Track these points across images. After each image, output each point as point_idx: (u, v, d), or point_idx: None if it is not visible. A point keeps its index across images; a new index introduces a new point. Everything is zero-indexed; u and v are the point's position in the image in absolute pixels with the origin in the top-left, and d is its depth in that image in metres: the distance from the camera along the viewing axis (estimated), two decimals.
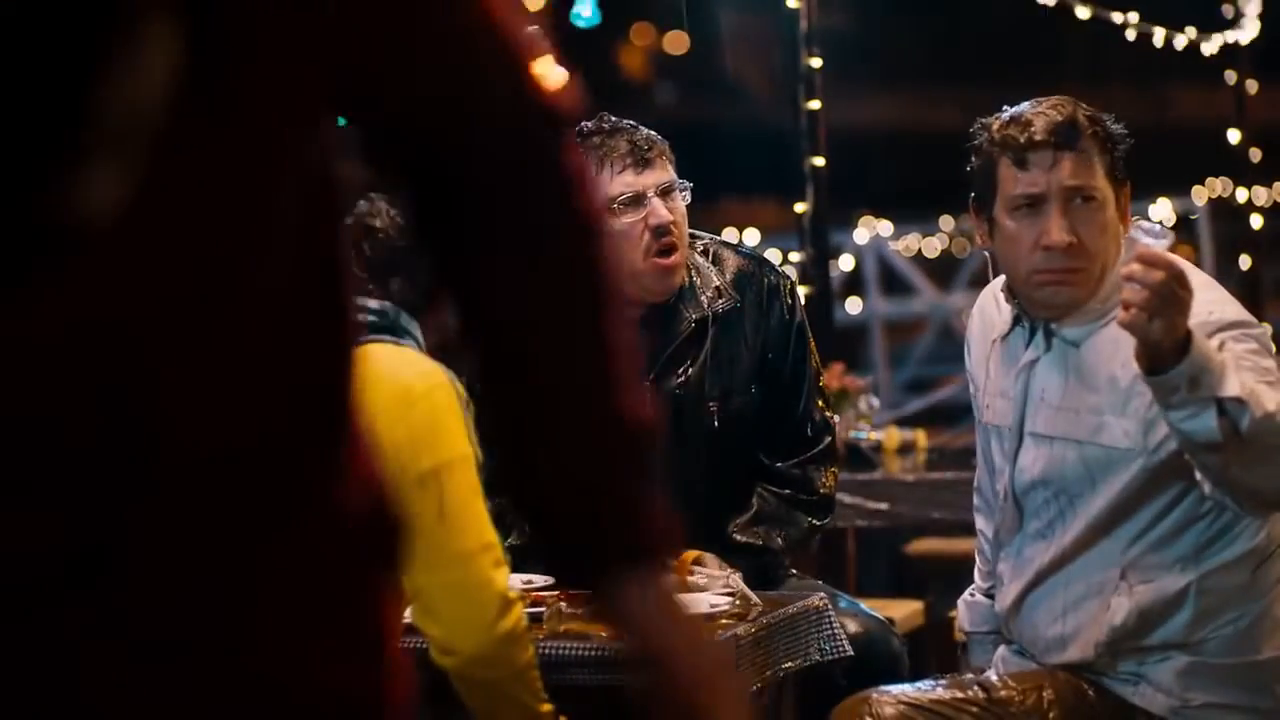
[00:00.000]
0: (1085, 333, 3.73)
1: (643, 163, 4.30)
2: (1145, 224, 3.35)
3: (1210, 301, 3.57)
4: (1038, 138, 3.70)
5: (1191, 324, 3.36)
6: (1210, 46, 8.87)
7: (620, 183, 4.29)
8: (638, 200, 4.29)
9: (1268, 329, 3.63)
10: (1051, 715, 3.71)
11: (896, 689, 3.77)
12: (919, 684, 3.80)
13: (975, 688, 3.75)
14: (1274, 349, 3.57)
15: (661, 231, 4.29)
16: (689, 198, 4.38)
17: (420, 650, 3.45)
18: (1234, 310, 3.59)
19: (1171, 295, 3.22)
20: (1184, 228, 13.37)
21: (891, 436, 6.50)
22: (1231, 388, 3.25)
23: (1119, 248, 3.71)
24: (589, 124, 4.38)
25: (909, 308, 14.48)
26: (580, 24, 6.16)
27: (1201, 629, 3.66)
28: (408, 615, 3.46)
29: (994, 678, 3.79)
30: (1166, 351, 3.25)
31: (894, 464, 6.32)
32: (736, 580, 4.01)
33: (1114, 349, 3.65)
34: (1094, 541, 3.70)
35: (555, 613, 3.84)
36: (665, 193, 4.32)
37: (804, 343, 4.50)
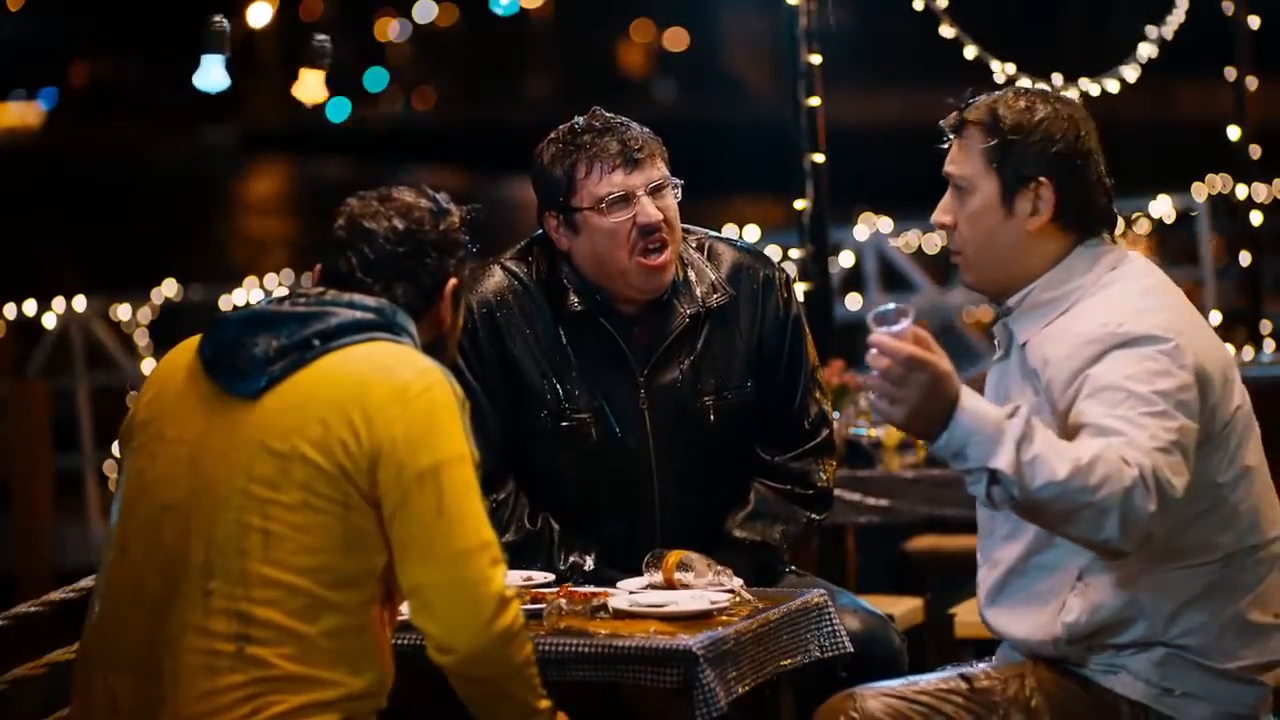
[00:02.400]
0: (1029, 333, 3.81)
1: (632, 163, 4.30)
2: (881, 308, 3.47)
3: (1129, 312, 3.64)
4: (939, 124, 3.86)
5: (1100, 334, 3.56)
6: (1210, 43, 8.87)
7: (609, 182, 4.30)
8: (626, 200, 4.30)
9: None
10: (1034, 703, 3.75)
11: (880, 684, 3.79)
12: (903, 679, 3.82)
13: (958, 679, 3.78)
14: (1187, 364, 3.58)
15: (649, 230, 4.29)
16: (680, 195, 4.38)
17: (418, 647, 3.45)
18: (1149, 323, 3.61)
19: (903, 382, 3.38)
20: (1184, 224, 13.36)
21: (891, 433, 6.49)
22: (999, 459, 3.37)
23: (1016, 240, 3.79)
24: (581, 121, 4.37)
25: (909, 304, 14.45)
26: (499, 10, 6.20)
27: (1171, 626, 3.68)
28: (405, 612, 3.46)
29: (977, 669, 3.81)
30: (926, 428, 3.41)
31: (894, 461, 6.32)
32: (728, 578, 4.01)
33: (1041, 349, 3.73)
34: (1051, 541, 3.73)
35: (555, 609, 3.85)
36: (655, 191, 4.32)
37: (800, 336, 4.50)
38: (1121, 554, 3.52)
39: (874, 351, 3.42)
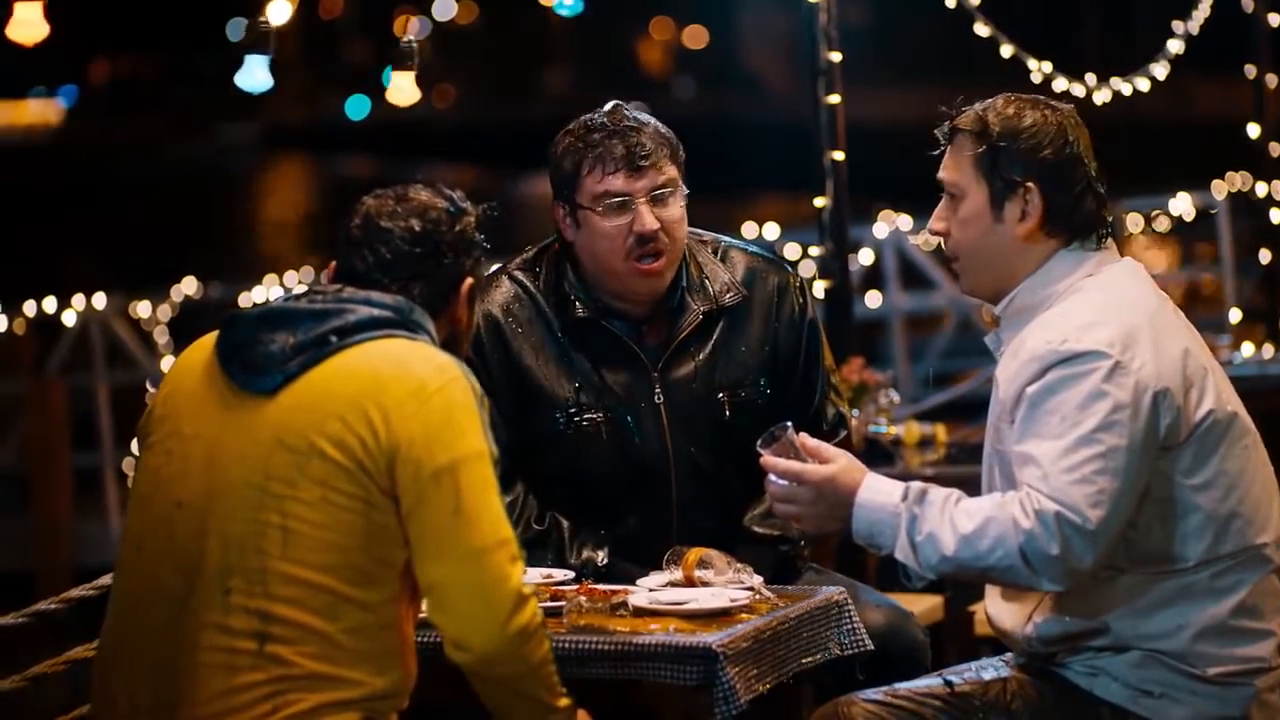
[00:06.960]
0: (1008, 339, 3.83)
1: (635, 169, 4.29)
2: (774, 428, 3.72)
3: (1073, 328, 3.65)
4: (933, 130, 3.90)
5: (1043, 350, 3.62)
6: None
7: (609, 184, 4.30)
8: (624, 205, 4.29)
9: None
10: (1014, 706, 3.77)
11: (863, 692, 3.82)
12: (887, 686, 3.85)
13: (941, 683, 3.81)
14: (1127, 381, 3.59)
15: (645, 239, 4.30)
16: (684, 201, 4.36)
17: (438, 645, 3.45)
18: (1093, 339, 3.63)
19: (791, 497, 3.68)
20: (1204, 222, 13.32)
21: (911, 431, 6.49)
22: (898, 547, 3.62)
23: (1005, 246, 3.80)
24: (597, 116, 4.36)
25: (929, 302, 14.46)
26: (563, 11, 6.21)
27: (1144, 630, 3.67)
28: (422, 610, 3.45)
29: (962, 675, 3.83)
30: (836, 527, 3.69)
31: (914, 458, 6.31)
32: (748, 575, 4.01)
33: (1012, 354, 3.75)
34: None
35: (575, 607, 3.85)
36: (657, 198, 4.31)
37: (816, 338, 4.51)
38: (1068, 585, 3.59)
39: (769, 476, 3.70)
